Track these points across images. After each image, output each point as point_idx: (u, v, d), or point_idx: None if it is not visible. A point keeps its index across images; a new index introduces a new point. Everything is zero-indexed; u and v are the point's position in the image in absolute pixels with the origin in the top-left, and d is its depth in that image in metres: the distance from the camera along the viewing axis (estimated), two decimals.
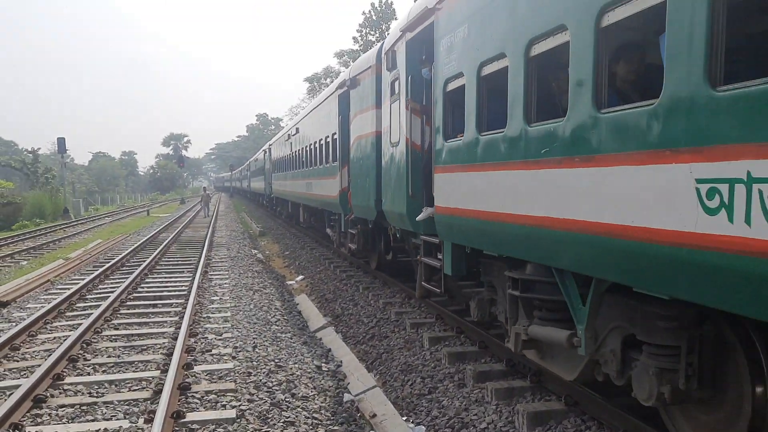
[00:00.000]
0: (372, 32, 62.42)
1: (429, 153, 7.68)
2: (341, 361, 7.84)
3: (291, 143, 22.29)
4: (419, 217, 7.80)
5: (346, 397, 6.52)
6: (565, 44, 4.35)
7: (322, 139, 15.62)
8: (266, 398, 6.19)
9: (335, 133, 13.70)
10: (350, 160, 12.19)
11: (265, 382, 6.67)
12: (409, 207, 8.12)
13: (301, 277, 15.01)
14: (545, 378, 5.99)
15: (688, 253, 3.23)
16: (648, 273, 3.64)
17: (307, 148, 18.27)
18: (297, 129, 20.67)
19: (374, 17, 63.10)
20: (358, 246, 12.71)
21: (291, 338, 8.82)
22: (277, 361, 7.51)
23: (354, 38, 64.67)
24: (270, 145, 31.60)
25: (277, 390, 6.46)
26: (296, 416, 5.82)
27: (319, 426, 5.69)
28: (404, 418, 5.85)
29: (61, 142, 40.86)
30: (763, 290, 2.84)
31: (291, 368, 7.26)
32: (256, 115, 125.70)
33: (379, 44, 10.77)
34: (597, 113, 3.98)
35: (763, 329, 3.66)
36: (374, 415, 5.92)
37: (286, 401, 6.16)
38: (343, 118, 12.94)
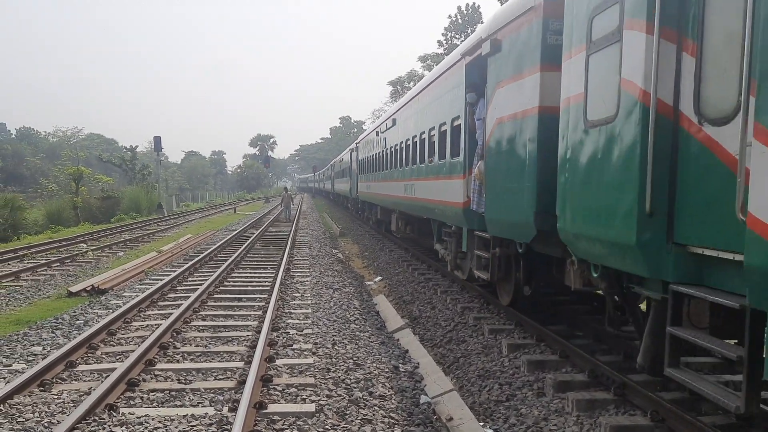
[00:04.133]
0: (457, 36, 62.11)
1: None
2: (418, 363, 7.84)
3: (350, 163, 33.41)
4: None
5: (423, 399, 6.52)
6: None
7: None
8: (344, 395, 6.29)
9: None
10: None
11: (344, 379, 6.78)
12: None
13: (379, 278, 15.13)
14: (630, 391, 5.78)
15: None
16: None
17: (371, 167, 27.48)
18: (342, 158, 35.58)
19: (460, 21, 62.81)
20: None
21: (369, 337, 8.91)
22: (355, 359, 7.62)
23: (439, 42, 64.72)
24: (333, 162, 47.07)
25: (355, 387, 6.54)
26: (373, 414, 5.87)
27: (396, 426, 5.72)
28: (481, 424, 5.79)
29: (157, 140, 43.13)
30: None
31: (369, 367, 7.34)
32: (340, 118, 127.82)
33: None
34: None
35: None
36: (451, 419, 5.89)
37: (364, 399, 6.24)
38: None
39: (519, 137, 7.48)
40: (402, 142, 16.03)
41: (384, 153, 19.29)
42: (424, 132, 13.22)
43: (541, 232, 6.99)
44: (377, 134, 21.08)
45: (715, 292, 4.17)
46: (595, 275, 6.15)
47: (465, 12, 62.73)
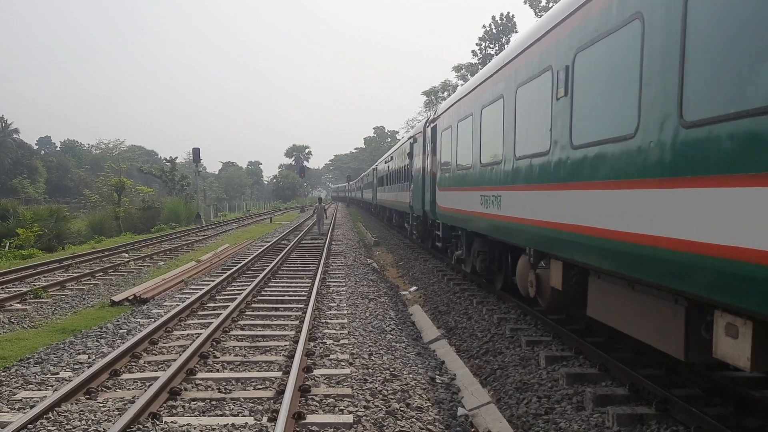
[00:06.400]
0: (491, 45, 61.83)
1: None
2: (455, 375, 7.83)
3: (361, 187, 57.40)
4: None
5: (460, 411, 6.50)
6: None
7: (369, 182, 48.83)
8: (382, 406, 6.31)
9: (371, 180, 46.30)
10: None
11: (381, 390, 6.80)
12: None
13: (414, 287, 15.13)
14: (672, 406, 5.67)
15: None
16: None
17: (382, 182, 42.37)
18: (368, 173, 47.24)
19: (494, 30, 62.55)
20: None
21: (405, 348, 8.92)
22: (392, 369, 7.63)
23: (473, 51, 64.49)
24: (360, 176, 63.86)
25: (392, 399, 6.56)
26: (410, 426, 5.88)
27: None
28: None
29: (195, 151, 43.84)
30: None
31: (405, 378, 7.35)
32: (374, 128, 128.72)
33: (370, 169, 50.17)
34: None
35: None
36: None
37: (401, 410, 6.25)
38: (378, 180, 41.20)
39: (420, 177, 18.73)
40: (395, 170, 28.01)
41: (387, 175, 31.72)
42: (399, 167, 25.96)
43: (424, 211, 17.96)
44: (385, 162, 33.62)
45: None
46: (430, 223, 18.27)
47: (500, 22, 62.42)
